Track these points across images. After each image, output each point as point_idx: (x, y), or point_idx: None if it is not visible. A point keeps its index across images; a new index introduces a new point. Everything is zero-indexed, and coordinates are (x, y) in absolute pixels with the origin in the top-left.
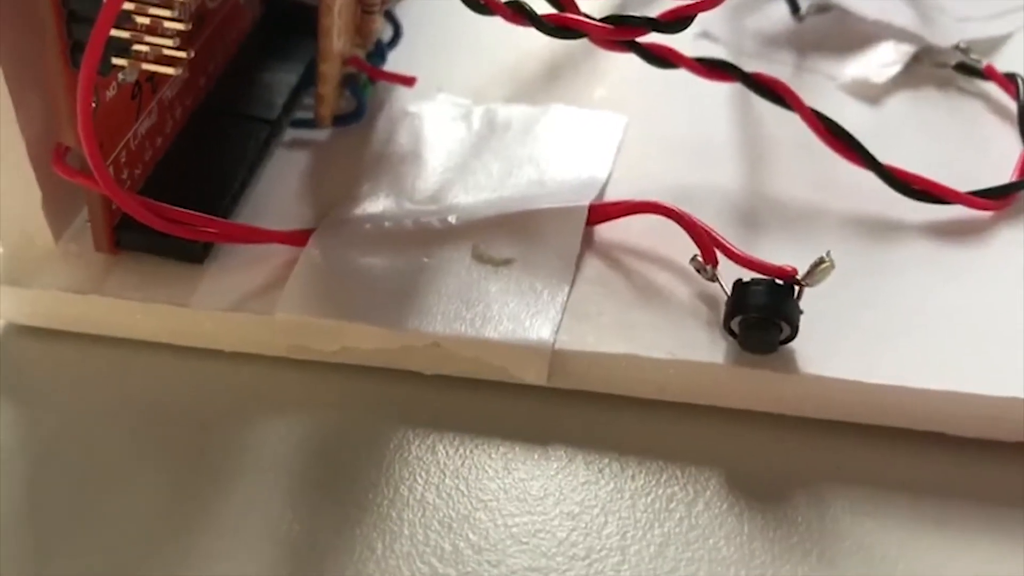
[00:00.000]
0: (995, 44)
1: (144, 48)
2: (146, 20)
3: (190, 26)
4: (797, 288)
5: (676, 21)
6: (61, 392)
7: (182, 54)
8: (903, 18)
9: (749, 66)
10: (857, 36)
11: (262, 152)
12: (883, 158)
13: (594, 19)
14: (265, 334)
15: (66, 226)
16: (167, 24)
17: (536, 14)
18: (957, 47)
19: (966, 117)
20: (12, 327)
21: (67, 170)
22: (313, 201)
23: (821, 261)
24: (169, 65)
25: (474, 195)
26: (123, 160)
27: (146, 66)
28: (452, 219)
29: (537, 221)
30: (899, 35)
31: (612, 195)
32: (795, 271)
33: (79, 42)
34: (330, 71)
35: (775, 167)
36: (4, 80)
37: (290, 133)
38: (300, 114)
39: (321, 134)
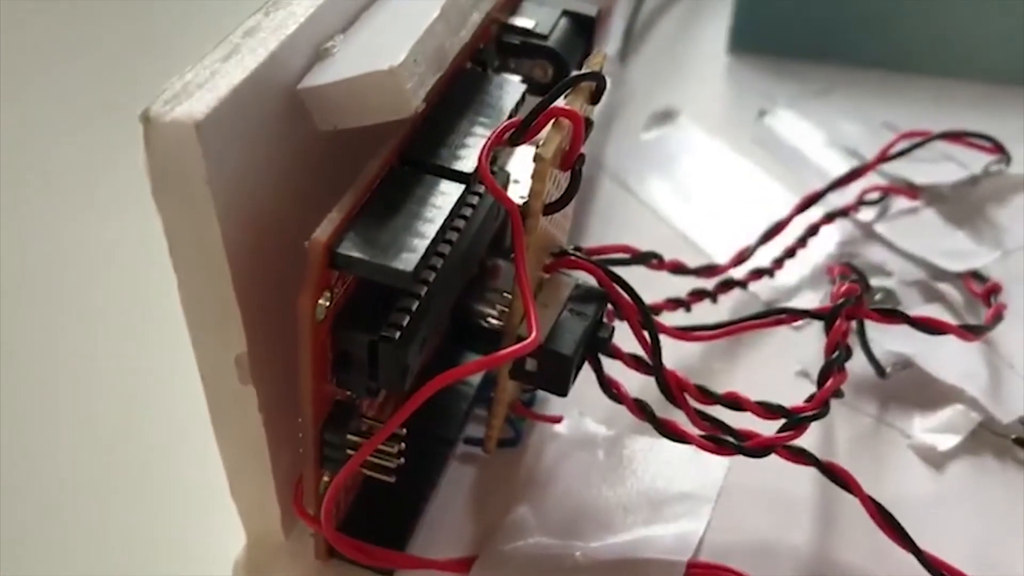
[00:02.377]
0: None
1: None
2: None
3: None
4: None
5: (758, 448)
6: None
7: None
8: (975, 384)
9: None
10: (932, 397)
11: (441, 470)
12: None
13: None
14: None
15: (294, 526)
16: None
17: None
18: (1020, 420)
19: (1019, 493)
20: None
21: (301, 510)
22: (475, 522)
23: None
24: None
25: (593, 531)
26: (340, 498)
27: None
28: (578, 555)
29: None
30: (969, 402)
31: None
32: None
33: (328, 457)
34: (500, 411)
35: (847, 534)
36: (264, 429)
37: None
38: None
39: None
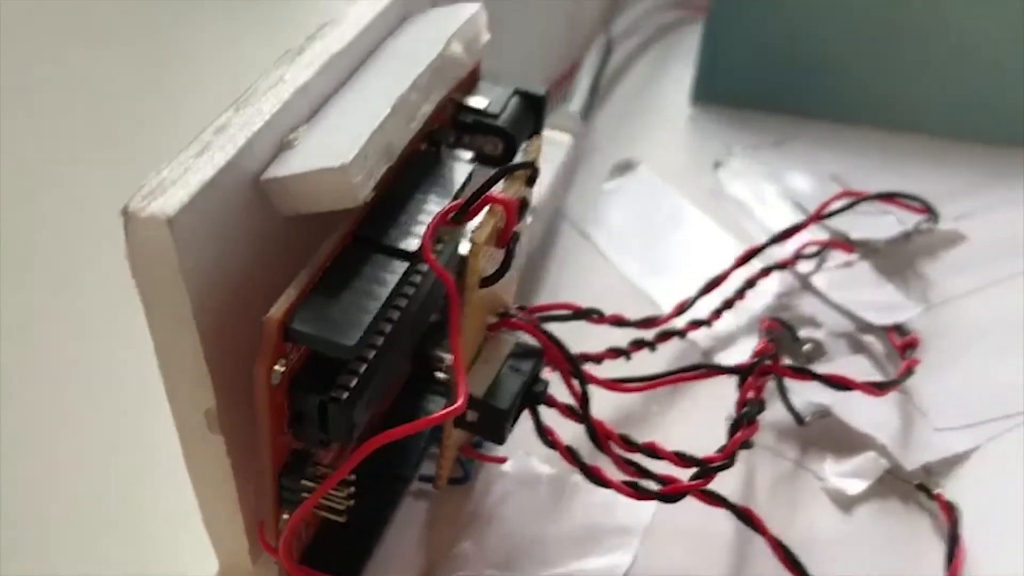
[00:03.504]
0: (958, 460)
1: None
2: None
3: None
4: None
5: (672, 494)
6: None
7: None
8: (886, 433)
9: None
10: (846, 443)
11: (396, 505)
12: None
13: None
14: None
15: (260, 555)
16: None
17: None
18: (923, 467)
19: (921, 536)
20: None
21: (265, 543)
22: (423, 554)
23: None
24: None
25: (530, 564)
26: (300, 531)
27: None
28: None
29: None
30: (880, 449)
31: None
32: None
33: (285, 499)
34: (448, 454)
35: (757, 569)
36: (231, 471)
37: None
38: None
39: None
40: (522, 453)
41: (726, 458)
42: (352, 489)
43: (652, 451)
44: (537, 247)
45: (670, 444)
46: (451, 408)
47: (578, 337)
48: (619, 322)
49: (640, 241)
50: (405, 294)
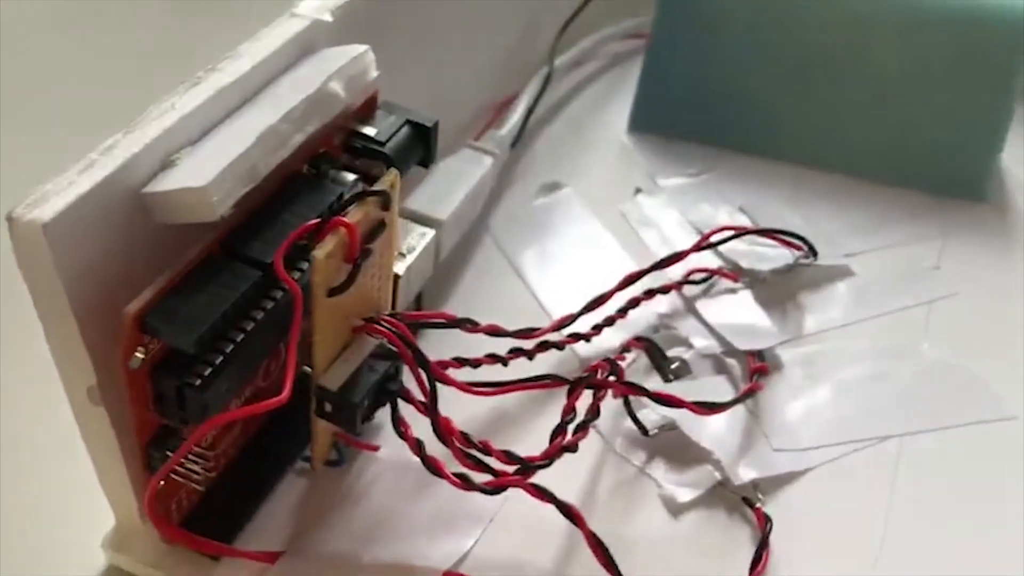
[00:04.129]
0: (788, 479)
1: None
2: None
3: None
4: None
5: (493, 487)
6: None
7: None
8: (723, 449)
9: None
10: (688, 456)
11: (278, 480)
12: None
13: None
14: None
15: None
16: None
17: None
18: (752, 483)
19: (738, 543)
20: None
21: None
22: (294, 525)
23: None
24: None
25: (385, 541)
26: (182, 497)
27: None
28: (365, 559)
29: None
30: (714, 463)
31: None
32: None
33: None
34: (317, 438)
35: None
36: (117, 440)
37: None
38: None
39: None
40: (396, 442)
41: (544, 460)
42: (210, 463)
43: (485, 449)
44: (450, 258)
45: (520, 444)
46: (273, 400)
47: (473, 346)
48: (494, 332)
49: (550, 259)
50: (268, 298)
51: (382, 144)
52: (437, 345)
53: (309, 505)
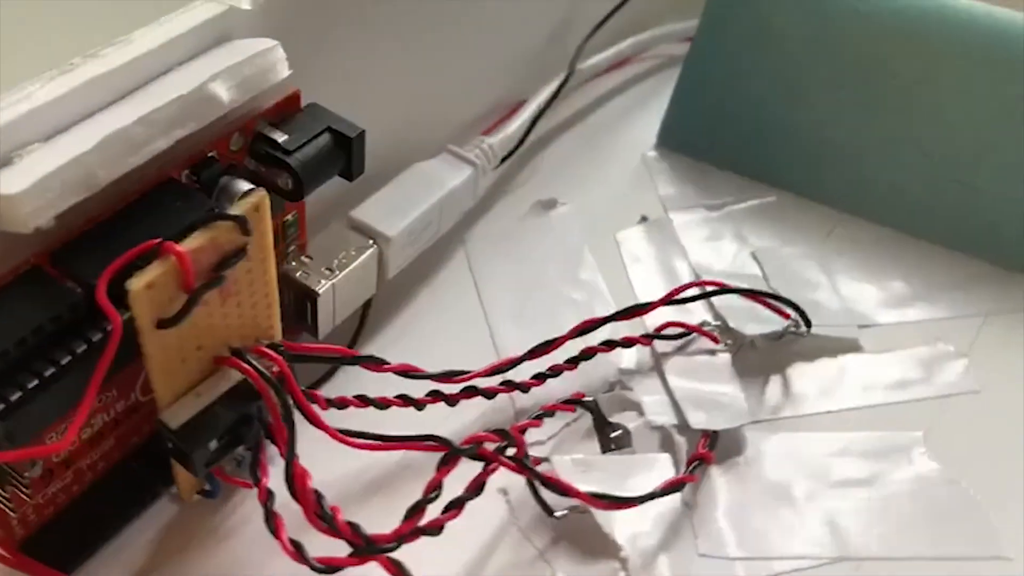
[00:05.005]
0: None
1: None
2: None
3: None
4: None
5: (327, 566)
6: None
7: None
8: (635, 547)
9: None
10: (595, 547)
11: (141, 510)
12: None
13: None
14: None
15: None
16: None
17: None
18: None
19: None
20: None
21: None
22: (152, 556)
23: None
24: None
25: None
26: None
27: None
28: None
29: None
30: (622, 563)
31: None
32: None
33: None
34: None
35: None
36: None
37: None
38: None
39: None
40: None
41: (391, 541)
42: (27, 491)
43: (332, 516)
44: (411, 272)
45: (399, 508)
46: (54, 444)
47: (394, 381)
48: (408, 373)
49: (520, 288)
50: (94, 321)
51: (288, 152)
52: (355, 378)
53: (171, 537)
